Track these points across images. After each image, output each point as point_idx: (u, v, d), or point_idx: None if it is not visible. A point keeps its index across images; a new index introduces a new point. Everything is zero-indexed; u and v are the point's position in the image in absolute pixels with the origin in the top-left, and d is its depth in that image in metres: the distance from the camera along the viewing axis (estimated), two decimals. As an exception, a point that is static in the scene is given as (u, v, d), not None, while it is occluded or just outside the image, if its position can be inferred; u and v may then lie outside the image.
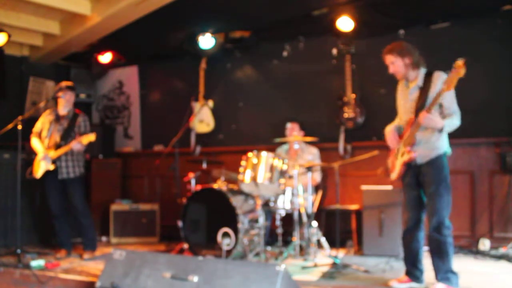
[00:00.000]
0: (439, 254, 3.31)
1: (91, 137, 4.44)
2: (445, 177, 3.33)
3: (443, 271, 3.31)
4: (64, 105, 4.73)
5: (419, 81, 3.43)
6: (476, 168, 5.03)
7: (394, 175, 3.56)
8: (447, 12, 5.08)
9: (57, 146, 4.61)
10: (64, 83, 4.76)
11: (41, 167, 4.62)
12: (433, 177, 3.34)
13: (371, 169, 5.38)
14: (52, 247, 5.09)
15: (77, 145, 4.50)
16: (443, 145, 3.36)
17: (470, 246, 4.87)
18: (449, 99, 3.27)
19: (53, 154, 4.59)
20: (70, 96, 4.75)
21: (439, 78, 3.33)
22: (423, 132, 3.35)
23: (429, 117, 3.22)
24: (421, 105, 3.36)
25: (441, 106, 3.30)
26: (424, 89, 3.38)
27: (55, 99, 4.75)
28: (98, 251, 4.86)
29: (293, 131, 5.16)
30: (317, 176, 5.11)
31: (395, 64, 3.45)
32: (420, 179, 3.43)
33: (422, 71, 3.45)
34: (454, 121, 3.28)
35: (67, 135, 4.65)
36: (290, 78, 6.01)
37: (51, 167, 4.58)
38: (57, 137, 4.65)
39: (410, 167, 3.45)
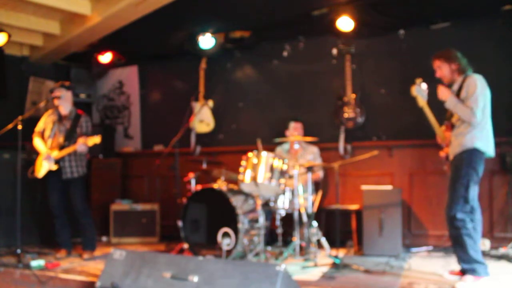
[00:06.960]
0: (458, 246, 3.47)
1: (96, 139, 4.44)
2: (464, 175, 3.45)
3: (467, 262, 3.42)
4: (64, 105, 4.74)
5: (455, 85, 3.62)
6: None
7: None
8: (447, 12, 5.08)
9: (61, 147, 4.61)
10: (59, 83, 4.78)
11: (43, 167, 4.63)
12: (451, 173, 3.56)
13: (371, 169, 5.40)
14: (52, 247, 5.08)
15: (82, 146, 4.51)
16: (467, 143, 3.48)
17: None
18: (473, 99, 3.44)
19: (57, 154, 4.59)
20: (68, 95, 4.76)
21: (466, 82, 3.51)
22: (454, 130, 3.57)
23: (439, 88, 3.60)
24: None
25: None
26: (457, 94, 3.56)
27: (53, 100, 4.74)
28: (98, 251, 4.86)
29: (296, 130, 5.17)
30: (320, 173, 5.13)
31: (441, 68, 3.67)
32: None
33: (463, 76, 3.58)
34: (464, 108, 3.45)
35: (70, 136, 4.65)
36: (290, 78, 6.01)
37: (54, 167, 4.58)
38: (60, 138, 4.65)
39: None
